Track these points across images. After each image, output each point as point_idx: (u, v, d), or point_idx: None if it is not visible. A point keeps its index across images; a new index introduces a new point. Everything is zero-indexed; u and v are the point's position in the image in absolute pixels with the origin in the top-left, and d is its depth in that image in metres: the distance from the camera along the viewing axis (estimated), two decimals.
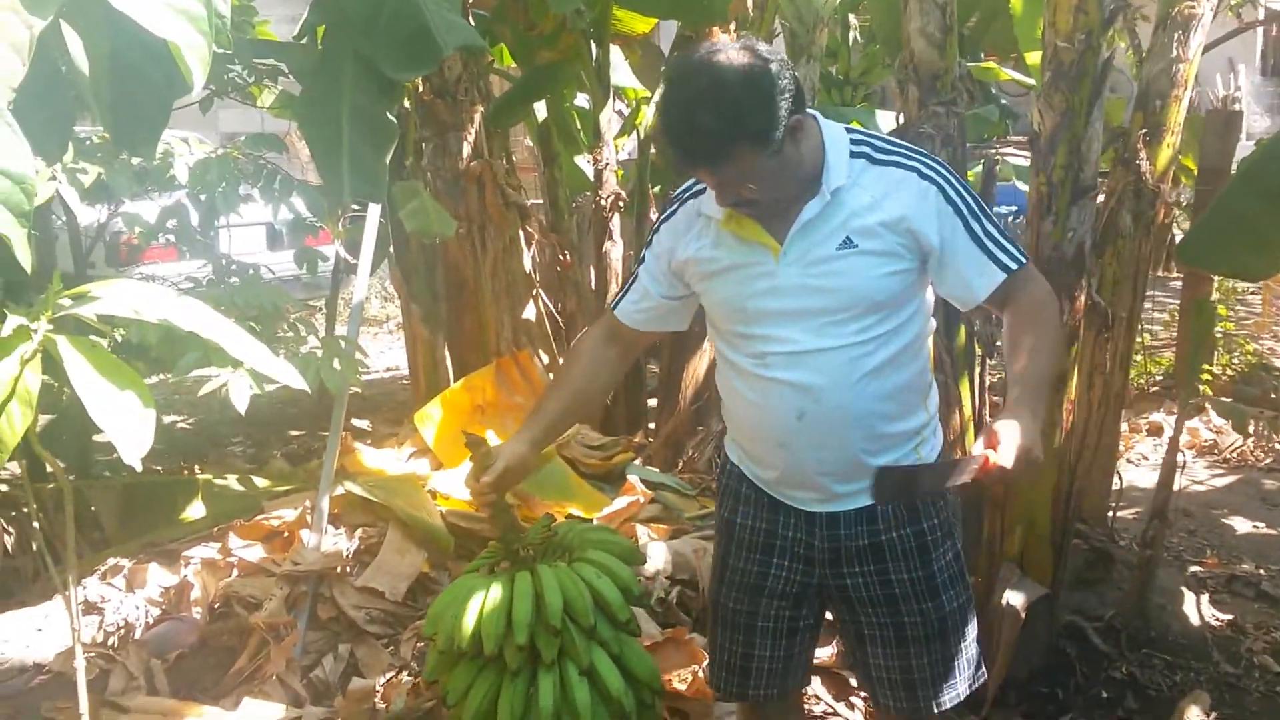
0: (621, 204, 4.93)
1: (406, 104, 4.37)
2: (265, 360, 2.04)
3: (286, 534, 3.37)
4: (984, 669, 2.17)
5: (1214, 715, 3.09)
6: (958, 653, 2.10)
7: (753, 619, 2.13)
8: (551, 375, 4.66)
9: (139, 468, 1.85)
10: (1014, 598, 3.06)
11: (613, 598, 2.14)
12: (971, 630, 2.13)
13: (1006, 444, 1.79)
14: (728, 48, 1.81)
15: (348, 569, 3.24)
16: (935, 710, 2.11)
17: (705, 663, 2.45)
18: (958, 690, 2.11)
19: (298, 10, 4.06)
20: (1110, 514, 4.04)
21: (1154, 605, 3.57)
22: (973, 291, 1.96)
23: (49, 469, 3.64)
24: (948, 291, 2.00)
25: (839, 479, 1.98)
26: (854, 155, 1.92)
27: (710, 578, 2.27)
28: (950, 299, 2.02)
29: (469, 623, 2.04)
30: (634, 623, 2.21)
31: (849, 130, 1.98)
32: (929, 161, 1.95)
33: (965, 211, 1.93)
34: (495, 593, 2.07)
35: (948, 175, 1.95)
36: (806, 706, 3.08)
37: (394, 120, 3.22)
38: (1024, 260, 1.97)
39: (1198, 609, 3.67)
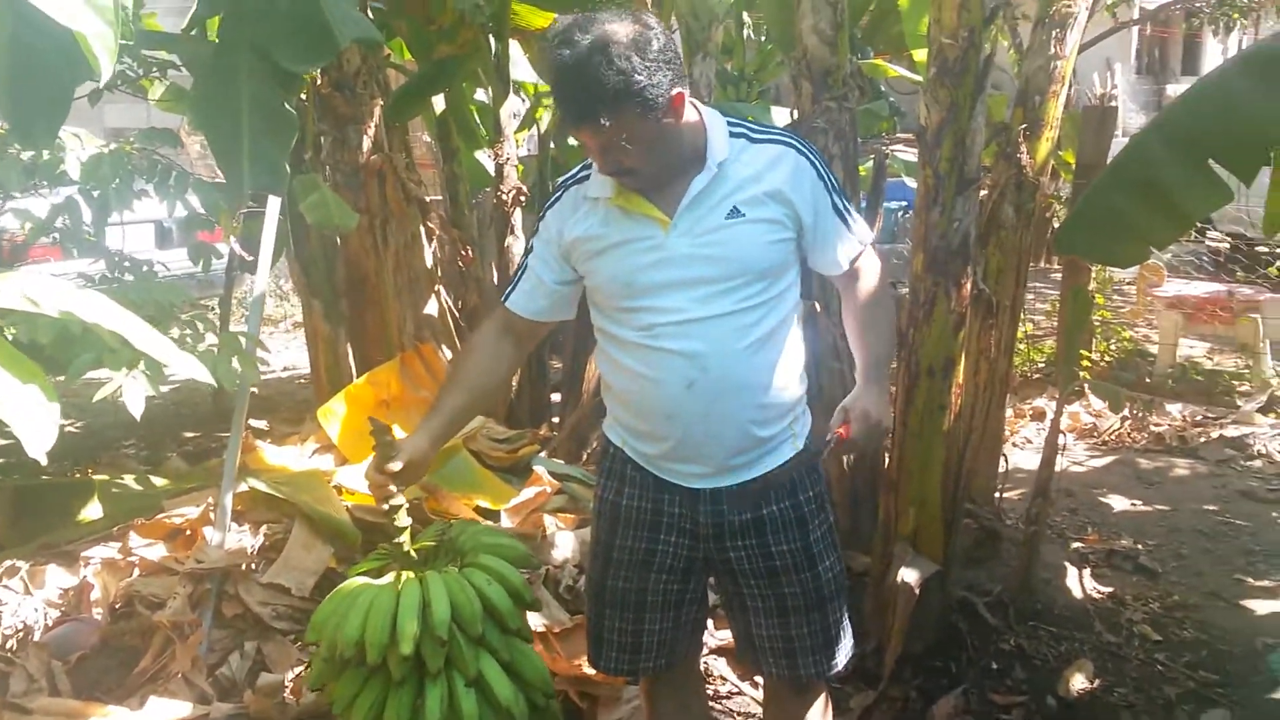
0: (523, 199, 4.95)
1: (304, 97, 4.33)
2: (169, 353, 2.04)
3: (189, 532, 3.33)
4: (853, 644, 2.27)
5: (1097, 682, 3.26)
6: (835, 622, 2.20)
7: (642, 595, 2.18)
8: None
9: (44, 461, 1.83)
10: (908, 575, 3.18)
11: (503, 605, 2.13)
12: (844, 602, 2.23)
13: (857, 418, 2.06)
14: (617, 14, 1.88)
15: (253, 566, 3.21)
16: (817, 678, 2.21)
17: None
18: (836, 660, 2.22)
19: (185, 3, 3.99)
20: (997, 494, 4.21)
21: (1039, 580, 3.73)
22: (838, 261, 2.11)
23: None
24: (816, 261, 2.12)
25: (729, 450, 2.05)
26: (733, 135, 2.03)
27: (591, 563, 2.29)
28: (818, 269, 2.14)
29: (353, 631, 2.01)
30: (525, 629, 2.19)
31: (725, 114, 2.08)
32: (800, 140, 2.09)
33: (831, 187, 2.08)
34: (382, 600, 2.04)
35: (816, 153, 2.09)
36: (712, 688, 3.17)
37: (293, 112, 3.20)
38: (868, 237, 2.18)
39: (1080, 582, 3.84)
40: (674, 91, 1.88)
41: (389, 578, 2.13)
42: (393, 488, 2.09)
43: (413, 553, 2.16)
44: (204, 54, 3.47)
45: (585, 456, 4.57)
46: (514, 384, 4.84)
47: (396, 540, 2.15)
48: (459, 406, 2.17)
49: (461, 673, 2.07)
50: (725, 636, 3.24)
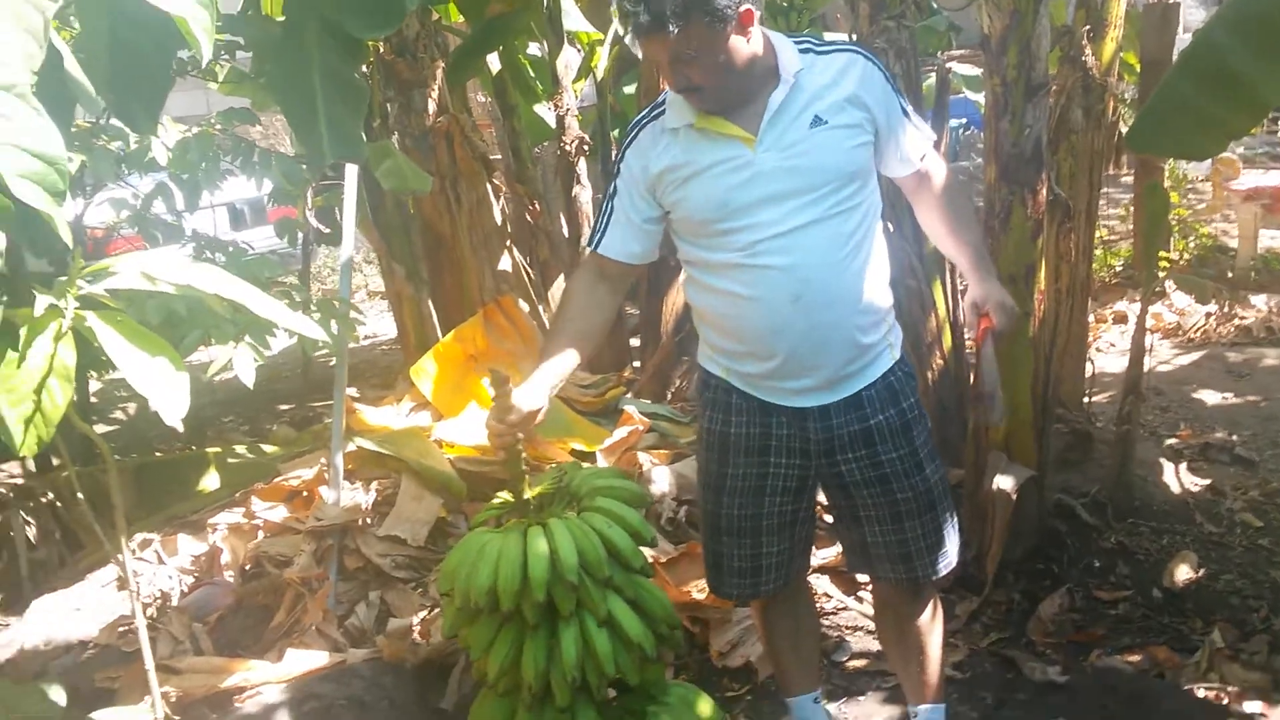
0: (586, 148, 5.01)
1: (367, 67, 4.41)
2: (286, 316, 2.13)
3: (306, 493, 3.48)
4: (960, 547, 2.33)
5: (1202, 572, 3.28)
6: (945, 522, 2.26)
7: (758, 520, 2.24)
8: (537, 322, 4.76)
9: (180, 429, 1.94)
10: (1004, 482, 3.21)
11: (625, 545, 2.14)
12: (951, 504, 2.28)
13: (995, 309, 2.16)
14: None
15: (368, 520, 3.35)
16: (932, 578, 2.27)
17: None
18: (949, 558, 2.28)
19: None
20: (1086, 398, 4.22)
21: (1135, 478, 3.74)
22: (910, 158, 2.17)
23: (57, 460, 3.73)
24: (888, 164, 2.17)
25: (837, 361, 2.09)
26: (801, 51, 2.08)
27: (703, 494, 2.32)
28: (889, 172, 2.19)
29: (485, 580, 2.03)
30: (647, 566, 2.21)
31: (789, 34, 2.14)
32: (864, 48, 2.15)
33: (896, 90, 2.15)
34: (510, 549, 2.06)
35: (878, 60, 2.14)
36: (819, 604, 3.26)
37: (364, 81, 3.27)
38: (933, 136, 2.25)
39: (1177, 477, 3.85)
40: (744, 7, 1.93)
41: (512, 527, 2.16)
42: (515, 435, 2.09)
43: (530, 500, 2.20)
44: (272, 32, 3.56)
45: (670, 395, 4.65)
46: None
47: (516, 490, 2.17)
48: (567, 354, 2.16)
49: (592, 613, 2.10)
50: (826, 555, 3.33)
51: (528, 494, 2.18)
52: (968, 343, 2.30)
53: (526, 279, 5.05)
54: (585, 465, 2.37)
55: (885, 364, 2.17)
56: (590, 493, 2.24)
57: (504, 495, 2.24)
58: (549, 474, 2.32)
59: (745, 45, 1.98)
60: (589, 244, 2.26)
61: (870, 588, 2.77)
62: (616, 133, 5.54)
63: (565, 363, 2.18)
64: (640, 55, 2.11)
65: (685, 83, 1.98)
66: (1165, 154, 4.42)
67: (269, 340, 2.66)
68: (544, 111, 5.76)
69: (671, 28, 1.89)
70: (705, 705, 2.31)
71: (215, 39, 4.21)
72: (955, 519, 2.30)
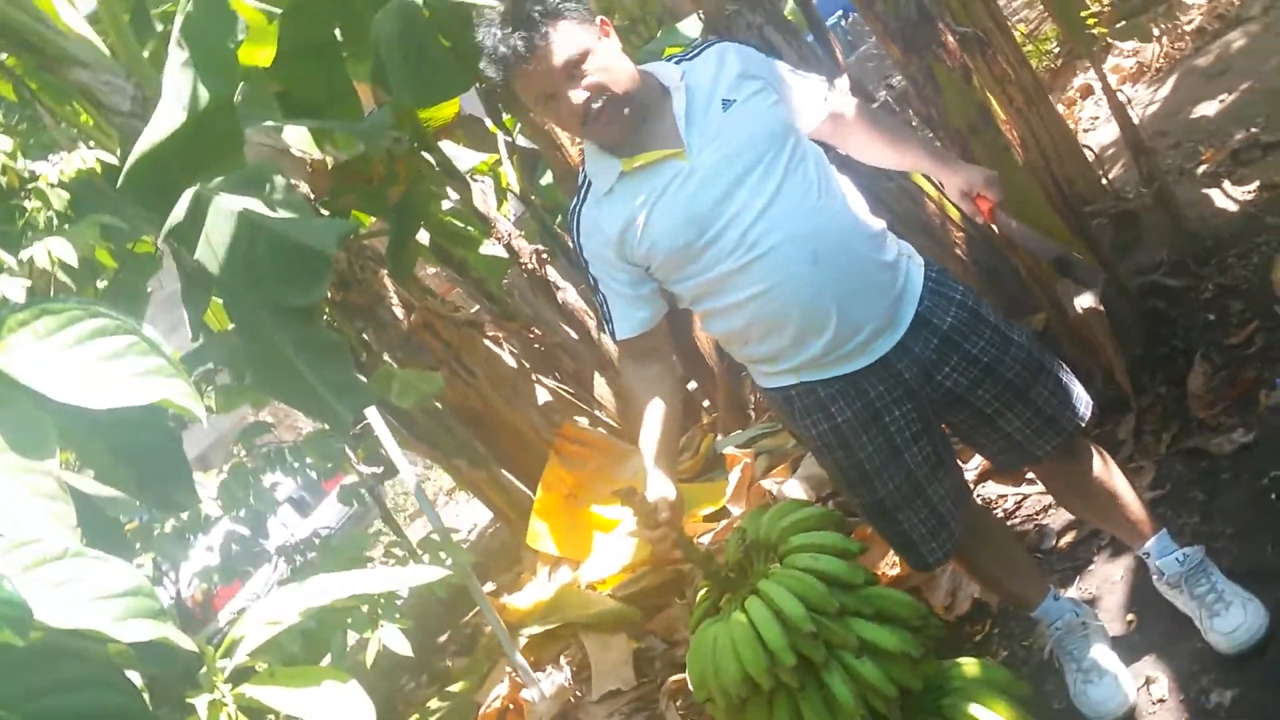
0: (545, 255, 5.07)
1: (327, 316, 4.51)
2: (405, 577, 2.17)
3: (511, 706, 3.51)
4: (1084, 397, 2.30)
5: None
6: (1059, 371, 2.25)
7: (912, 478, 2.20)
8: (602, 426, 4.80)
9: None
10: (1084, 300, 3.13)
11: (839, 569, 2.11)
12: (1052, 354, 2.27)
13: (984, 186, 2.22)
14: None
15: (578, 694, 3.37)
16: (1080, 426, 2.25)
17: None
18: (1083, 400, 2.26)
19: (174, 317, 4.18)
20: (1104, 182, 4.16)
21: (1192, 221, 3.69)
22: (814, 106, 2.20)
23: None
24: (798, 120, 2.16)
25: (882, 291, 2.09)
26: (675, 64, 2.14)
27: (853, 491, 2.28)
28: (805, 129, 2.17)
29: (733, 671, 2.02)
30: (870, 575, 2.17)
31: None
32: (724, 37, 2.18)
33: (773, 56, 2.21)
34: (739, 631, 2.04)
35: (741, 41, 2.20)
36: (997, 511, 3.22)
37: (333, 330, 3.35)
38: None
39: (1226, 196, 3.79)
40: (598, 17, 2.02)
41: (728, 607, 2.14)
42: (674, 530, 2.07)
43: (728, 572, 2.18)
44: (231, 342, 3.65)
45: (752, 415, 4.65)
46: None
47: (712, 571, 2.16)
48: (665, 437, 2.16)
49: (845, 648, 2.07)
50: (972, 466, 3.30)
51: (722, 569, 2.16)
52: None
53: (569, 397, 5.10)
54: (761, 515, 2.33)
55: (918, 275, 2.16)
56: (780, 536, 2.21)
57: (703, 585, 2.24)
58: (732, 540, 2.29)
59: (619, 51, 2.03)
60: (613, 336, 2.24)
61: (1032, 475, 2.74)
62: (560, 219, 5.61)
63: (669, 445, 2.19)
64: (532, 101, 2.07)
65: (587, 96, 1.97)
66: None
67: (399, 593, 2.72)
68: (491, 247, 5.84)
69: (544, 27, 1.94)
70: (985, 670, 2.30)
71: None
72: (1064, 365, 2.28)
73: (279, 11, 3.78)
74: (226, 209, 3.12)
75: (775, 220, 2.02)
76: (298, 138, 4.25)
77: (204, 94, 3.25)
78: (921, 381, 2.15)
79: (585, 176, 2.16)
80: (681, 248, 2.05)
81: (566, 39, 1.95)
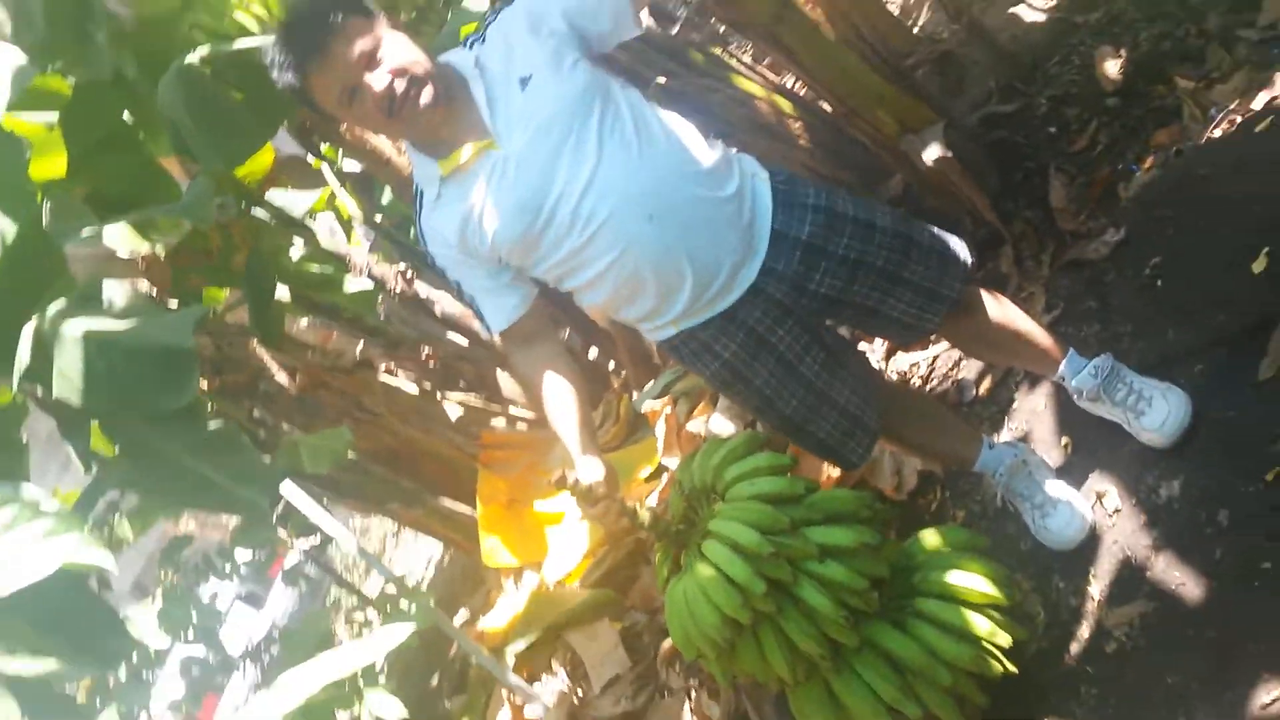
0: (410, 271, 4.96)
1: (213, 408, 4.36)
2: (382, 644, 2.12)
3: None
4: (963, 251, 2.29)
5: (1122, 51, 3.26)
6: (928, 237, 2.23)
7: (812, 388, 2.21)
8: (522, 422, 4.74)
9: None
10: (932, 151, 3.15)
11: (779, 487, 2.13)
12: (917, 222, 2.25)
13: None
14: None
15: (578, 694, 3.34)
16: (966, 283, 2.24)
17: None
18: (962, 255, 2.26)
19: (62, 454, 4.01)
20: (915, 30, 4.18)
21: (1007, 44, 3.73)
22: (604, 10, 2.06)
23: None
24: (600, 38, 2.08)
25: (729, 226, 2.06)
26: (468, 49, 2.09)
27: (762, 414, 2.30)
28: (622, 34, 2.11)
29: (711, 618, 2.04)
30: (809, 483, 2.20)
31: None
32: (501, 7, 2.10)
33: None
34: (703, 577, 2.05)
35: None
36: (913, 379, 3.26)
37: (224, 422, 3.24)
38: None
39: (1031, 9, 3.82)
40: (380, 13, 1.98)
41: (688, 559, 2.15)
42: (614, 502, 2.07)
43: (678, 527, 2.18)
44: (123, 469, 3.51)
45: (659, 364, 4.63)
46: None
47: (661, 530, 2.17)
48: (575, 413, 2.16)
49: (807, 558, 2.09)
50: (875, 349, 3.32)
51: (674, 527, 2.17)
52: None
53: (479, 405, 5.01)
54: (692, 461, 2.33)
55: (765, 192, 2.13)
56: (715, 475, 2.22)
57: (659, 548, 2.24)
58: (671, 496, 2.30)
59: (410, 41, 1.97)
60: (491, 330, 2.22)
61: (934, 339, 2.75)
62: (411, 233, 5.48)
63: (584, 420, 2.18)
64: (335, 103, 1.98)
65: (389, 80, 1.92)
66: None
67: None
68: (355, 282, 5.69)
69: (331, 23, 1.89)
70: (944, 535, 2.32)
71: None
72: (932, 229, 2.27)
73: (53, 119, 3.61)
74: (70, 336, 2.99)
75: (603, 188, 1.98)
76: (120, 236, 4.07)
77: (8, 228, 3.10)
78: (795, 296, 2.14)
79: (417, 186, 2.13)
80: (520, 236, 2.03)
81: (357, 30, 1.92)
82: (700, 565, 2.08)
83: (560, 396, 2.18)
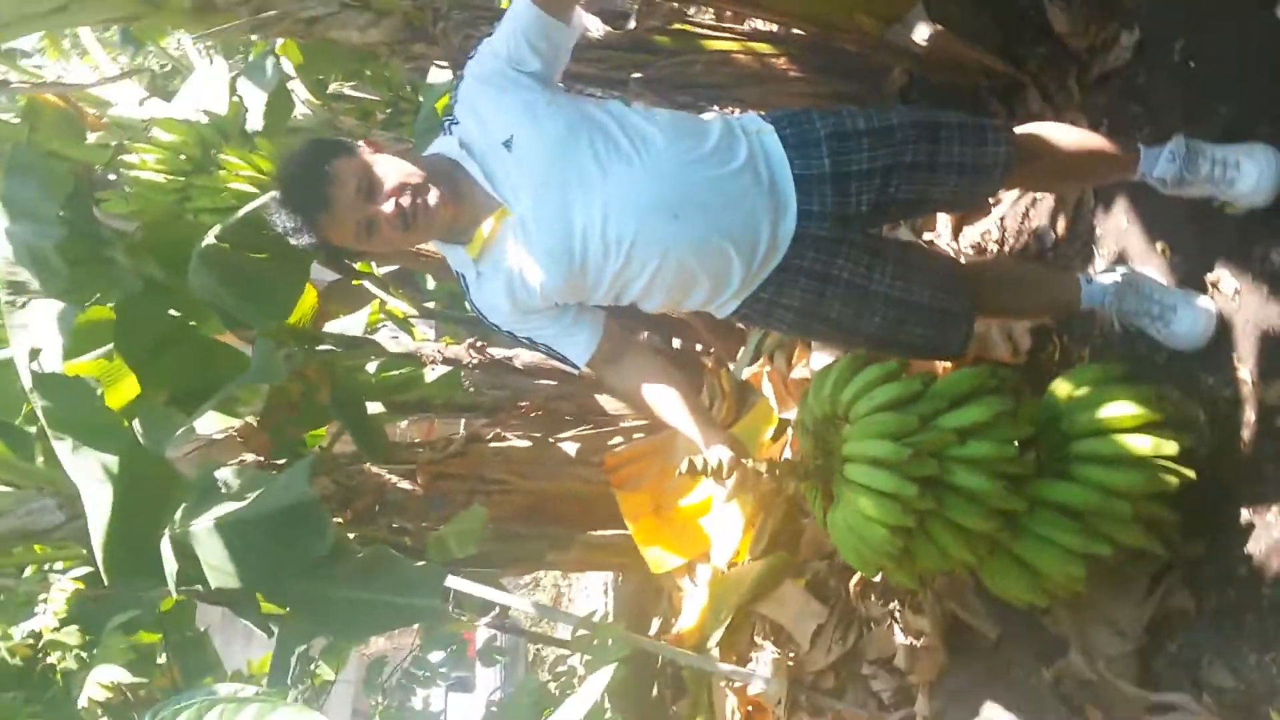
0: (479, 342, 5.06)
1: None
2: (594, 685, 2.18)
3: (750, 710, 3.53)
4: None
5: None
6: (955, 117, 2.21)
7: (892, 300, 2.22)
8: (630, 440, 4.80)
9: None
10: (920, 31, 3.12)
11: (896, 392, 2.14)
12: (934, 108, 2.26)
13: None
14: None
15: (790, 658, 3.37)
16: (1009, 143, 2.21)
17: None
18: (991, 124, 2.23)
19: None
20: None
21: None
22: (551, 30, 2.07)
23: None
24: (554, 58, 2.10)
25: (753, 192, 2.09)
26: (444, 135, 2.15)
27: (855, 342, 2.31)
28: (562, 51, 2.11)
29: (881, 534, 2.07)
30: (926, 377, 2.23)
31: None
32: (460, 71, 2.15)
33: (482, 41, 2.13)
34: (859, 500, 2.09)
35: (472, 54, 2.14)
36: (994, 240, 3.24)
37: (369, 543, 3.32)
38: None
39: None
40: (359, 142, 2.07)
41: (836, 486, 2.20)
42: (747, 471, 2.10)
43: (815, 461, 2.23)
44: (302, 623, 3.64)
45: (742, 329, 4.65)
46: None
47: (805, 472, 2.22)
48: (686, 406, 2.21)
49: (949, 446, 2.11)
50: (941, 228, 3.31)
51: (812, 464, 2.22)
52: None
53: (591, 432, 5.09)
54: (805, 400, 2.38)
55: (775, 145, 2.14)
56: (832, 405, 2.25)
57: (805, 491, 2.31)
58: (800, 438, 2.33)
59: (390, 156, 2.03)
60: (580, 365, 2.27)
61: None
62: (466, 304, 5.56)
63: (695, 405, 2.24)
64: (354, 241, 2.05)
65: (395, 200, 1.97)
66: None
67: None
68: (434, 373, 5.79)
69: (324, 175, 1.96)
70: (1077, 376, 2.31)
71: None
72: (953, 109, 2.26)
73: (108, 348, 3.77)
74: (204, 531, 3.11)
75: (620, 209, 2.03)
76: (211, 422, 4.21)
77: (110, 462, 3.23)
78: (841, 225, 2.15)
79: (457, 272, 2.20)
80: (564, 281, 2.09)
81: (348, 171, 1.98)
82: (849, 491, 2.14)
83: (663, 396, 2.24)
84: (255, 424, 4.46)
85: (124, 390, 3.78)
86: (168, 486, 3.42)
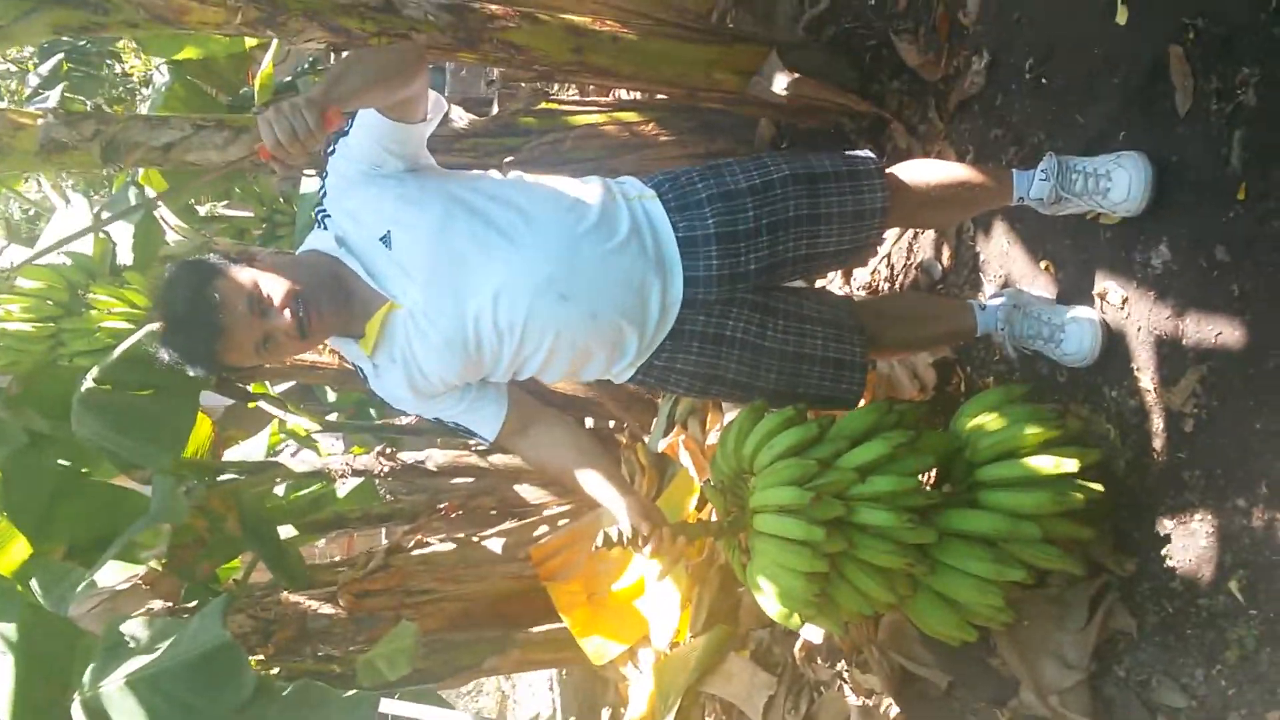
0: (388, 449, 4.91)
1: None
2: None
3: None
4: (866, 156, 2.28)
5: None
6: (829, 163, 2.19)
7: (786, 354, 2.21)
8: (560, 524, 4.68)
9: None
10: (779, 82, 3.12)
11: (795, 437, 2.11)
12: (811, 155, 2.22)
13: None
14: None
15: None
16: (883, 180, 2.21)
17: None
18: (864, 164, 2.22)
19: None
20: None
21: None
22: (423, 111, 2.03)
23: None
24: (407, 141, 2.03)
25: (633, 254, 2.05)
26: (317, 225, 2.10)
27: (753, 395, 2.27)
28: (419, 138, 2.06)
29: (795, 583, 2.05)
30: (824, 420, 2.21)
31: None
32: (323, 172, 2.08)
33: (338, 138, 2.04)
34: (769, 550, 2.07)
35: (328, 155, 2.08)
36: (879, 285, 3.23)
37: (293, 679, 3.16)
38: None
39: None
40: (230, 256, 1.99)
41: (752, 537, 2.16)
42: (668, 534, 2.04)
43: (727, 523, 2.19)
44: None
45: (653, 405, 4.59)
46: None
47: (727, 531, 2.19)
48: (604, 470, 2.18)
49: (852, 484, 2.08)
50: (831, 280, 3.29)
51: (724, 522, 2.19)
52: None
53: (515, 526, 4.95)
54: (714, 458, 2.34)
55: (658, 210, 2.12)
56: (738, 458, 2.22)
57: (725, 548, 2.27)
58: (711, 497, 2.30)
59: (269, 269, 1.95)
60: (489, 440, 2.22)
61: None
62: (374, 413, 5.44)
63: (612, 473, 2.20)
64: (253, 357, 1.98)
65: (288, 311, 1.91)
66: None
67: None
68: (346, 485, 5.63)
69: (208, 301, 1.87)
70: (978, 402, 2.30)
71: None
72: (824, 156, 2.24)
73: None
74: (116, 690, 2.92)
75: (510, 292, 1.99)
76: (113, 572, 4.02)
77: (8, 630, 3.05)
78: (730, 284, 2.12)
79: (355, 366, 2.16)
80: (461, 366, 2.07)
81: (233, 291, 1.90)
82: (760, 543, 2.10)
83: (575, 460, 2.21)
84: (161, 568, 4.26)
85: (15, 553, 3.61)
86: (73, 647, 3.23)
